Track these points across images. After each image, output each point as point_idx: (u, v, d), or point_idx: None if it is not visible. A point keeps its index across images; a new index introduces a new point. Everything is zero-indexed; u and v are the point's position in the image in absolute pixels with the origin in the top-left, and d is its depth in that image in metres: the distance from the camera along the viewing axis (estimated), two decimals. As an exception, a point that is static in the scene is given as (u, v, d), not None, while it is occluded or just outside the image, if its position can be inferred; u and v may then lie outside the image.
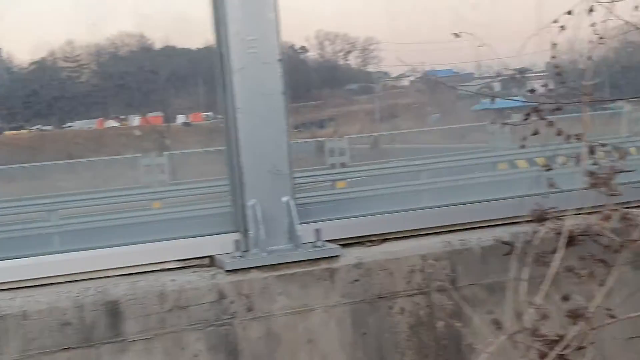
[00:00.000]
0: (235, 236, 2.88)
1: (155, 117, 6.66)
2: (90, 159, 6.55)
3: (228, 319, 2.74)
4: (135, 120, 6.69)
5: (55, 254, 2.74)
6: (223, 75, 2.84)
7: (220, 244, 2.90)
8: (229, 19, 2.76)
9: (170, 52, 5.70)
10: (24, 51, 6.00)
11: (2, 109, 5.82)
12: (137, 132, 6.80)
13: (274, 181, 2.86)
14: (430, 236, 3.10)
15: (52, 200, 5.43)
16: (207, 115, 6.76)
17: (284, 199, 2.87)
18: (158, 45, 5.99)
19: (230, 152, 2.91)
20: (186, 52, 5.78)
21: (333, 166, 5.99)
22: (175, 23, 5.47)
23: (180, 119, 6.91)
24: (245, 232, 2.87)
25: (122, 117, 6.77)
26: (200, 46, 5.89)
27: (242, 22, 2.78)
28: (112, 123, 6.77)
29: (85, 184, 6.47)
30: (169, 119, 6.89)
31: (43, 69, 5.79)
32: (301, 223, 2.88)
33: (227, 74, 2.83)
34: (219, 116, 7.00)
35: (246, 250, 2.83)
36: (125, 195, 5.71)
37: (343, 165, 5.95)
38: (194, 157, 6.72)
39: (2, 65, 6.16)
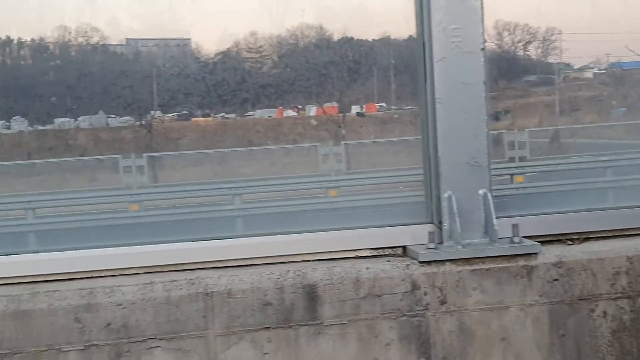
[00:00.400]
0: (429, 227, 2.85)
1: (331, 107, 6.77)
2: (269, 146, 6.78)
3: (421, 310, 2.72)
4: (312, 110, 6.84)
5: (258, 236, 2.84)
6: (424, 65, 2.81)
7: (412, 235, 2.88)
8: (433, 7, 2.72)
9: (347, 43, 5.75)
10: (210, 42, 6.28)
11: (189, 97, 6.14)
12: (313, 122, 6.95)
13: (471, 173, 2.80)
14: (636, 237, 2.91)
15: (236, 185, 5.68)
16: (380, 106, 6.77)
17: (481, 191, 2.80)
18: (336, 36, 6.06)
19: (426, 142, 2.87)
20: (363, 43, 5.81)
21: (512, 159, 5.79)
22: (354, 14, 5.52)
23: (355, 109, 6.98)
24: (439, 224, 2.83)
25: (300, 107, 6.94)
26: (377, 37, 5.90)
27: (446, 10, 2.73)
28: (290, 113, 6.97)
29: (264, 170, 6.72)
30: (343, 109, 6.98)
31: (228, 59, 6.05)
32: (497, 217, 2.80)
33: (428, 63, 2.79)
34: (393, 107, 6.99)
35: (440, 242, 2.80)
36: (305, 182, 5.86)
37: (522, 159, 5.74)
38: (369, 147, 6.77)
39: (190, 55, 6.49)
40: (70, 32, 5.99)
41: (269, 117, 6.67)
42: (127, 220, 5.45)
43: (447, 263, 2.73)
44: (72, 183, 5.98)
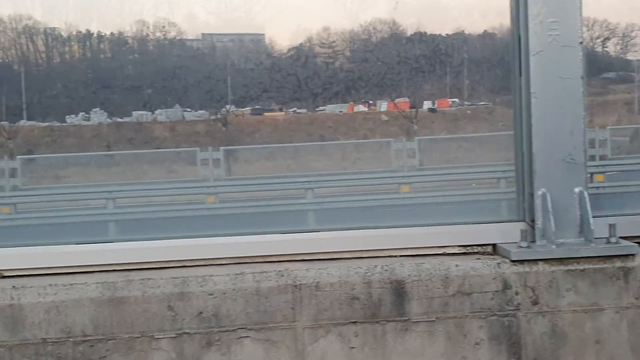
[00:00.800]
0: (520, 225, 2.79)
1: (402, 102, 6.71)
2: (340, 141, 6.77)
3: (512, 310, 2.67)
4: (383, 106, 6.80)
5: (346, 230, 2.83)
6: (519, 58, 2.74)
7: (502, 232, 2.83)
8: (530, 0, 2.65)
9: (420, 38, 5.68)
10: (284, 37, 6.30)
11: (262, 92, 6.17)
12: (384, 117, 6.90)
13: (566, 170, 2.73)
14: None
15: (309, 179, 5.69)
16: (453, 101, 6.68)
17: (577, 189, 2.72)
18: (409, 32, 6.00)
19: (519, 138, 2.81)
20: (436, 38, 5.73)
21: (592, 158, 5.64)
22: (428, 10, 5.45)
23: (427, 104, 6.90)
24: (531, 222, 2.77)
25: (371, 102, 6.90)
26: (450, 32, 5.81)
27: (543, 3, 2.66)
28: (361, 108, 6.94)
29: (335, 165, 6.71)
30: (415, 104, 6.91)
31: (300, 54, 6.06)
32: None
33: (524, 57, 2.72)
34: (466, 103, 6.87)
35: (532, 241, 2.73)
36: (377, 177, 5.83)
37: (603, 157, 5.58)
38: (441, 143, 6.68)
39: (264, 50, 6.53)
40: (148, 27, 6.09)
41: (340, 112, 6.66)
42: (204, 212, 5.52)
43: (540, 263, 2.67)
44: (150, 174, 6.10)
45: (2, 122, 5.84)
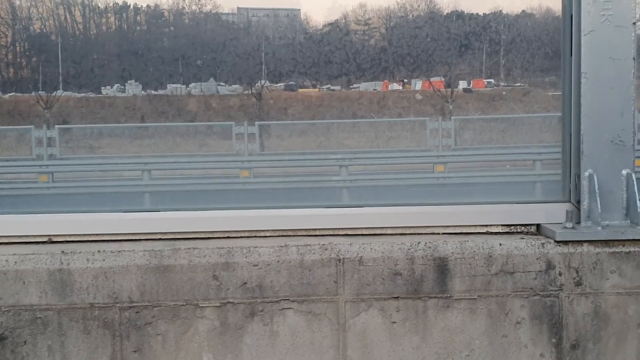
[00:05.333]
0: (566, 206, 2.78)
1: (437, 81, 6.66)
2: (376, 119, 6.75)
3: (555, 290, 2.66)
4: (417, 84, 6.75)
5: (390, 206, 2.83)
6: (570, 38, 2.71)
7: (546, 213, 2.82)
8: (584, -21, 2.62)
9: (457, 17, 5.63)
10: (319, 13, 6.27)
11: (296, 67, 6.16)
12: (418, 96, 6.86)
13: (614, 152, 2.70)
14: None
15: (342, 156, 5.69)
16: (488, 82, 6.62)
17: (624, 171, 2.70)
18: (446, 10, 5.93)
19: (567, 118, 2.78)
20: (473, 17, 5.67)
21: None
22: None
23: (462, 84, 6.84)
24: (576, 203, 2.75)
25: (405, 80, 6.86)
26: (488, 12, 5.74)
27: (597, -18, 2.62)
28: (395, 86, 6.90)
29: (368, 143, 6.69)
30: (450, 84, 6.85)
31: (336, 31, 6.02)
32: (640, 199, 2.69)
33: (575, 37, 2.69)
34: (502, 84, 6.82)
35: (577, 222, 2.72)
36: (411, 156, 5.81)
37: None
38: (476, 124, 6.64)
39: (300, 26, 6.50)
40: (184, 0, 6.09)
41: (374, 90, 6.63)
42: (239, 186, 5.55)
43: (585, 244, 2.66)
44: (183, 147, 6.13)
45: (40, 92, 5.90)
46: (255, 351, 2.60)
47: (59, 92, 5.97)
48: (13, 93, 6.08)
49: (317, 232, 2.78)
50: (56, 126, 5.56)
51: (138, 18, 6.53)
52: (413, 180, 5.76)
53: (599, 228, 2.65)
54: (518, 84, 6.41)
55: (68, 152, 5.86)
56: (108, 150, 6.17)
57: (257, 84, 6.47)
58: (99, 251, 2.53)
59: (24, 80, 6.21)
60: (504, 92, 6.55)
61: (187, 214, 2.73)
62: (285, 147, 6.47)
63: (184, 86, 6.28)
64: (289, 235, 2.75)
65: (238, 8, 6.01)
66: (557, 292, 2.66)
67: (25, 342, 2.50)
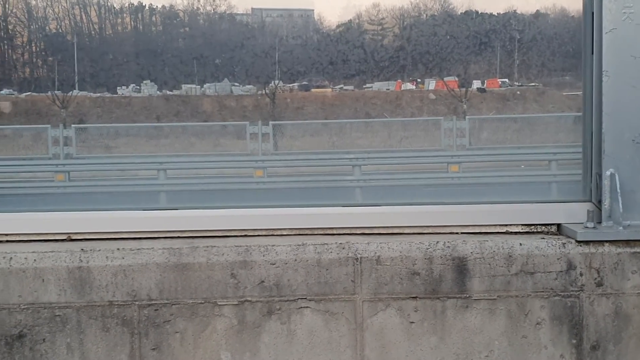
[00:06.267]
0: (587, 206, 2.75)
1: (451, 81, 6.63)
2: (389, 119, 6.73)
3: (575, 291, 2.64)
4: (431, 84, 6.73)
5: (408, 205, 2.81)
6: (592, 36, 2.69)
7: (567, 212, 2.79)
8: (606, -24, 2.59)
9: (471, 16, 5.60)
10: (333, 13, 6.26)
11: (309, 68, 6.16)
12: (432, 96, 6.84)
13: (636, 151, 2.68)
14: None
15: (356, 156, 5.68)
16: (502, 81, 6.58)
17: (646, 171, 2.67)
18: (460, 10, 5.91)
19: (588, 117, 2.76)
20: (488, 17, 5.64)
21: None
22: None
23: (476, 84, 6.81)
24: (597, 203, 2.73)
25: (419, 80, 6.84)
26: (502, 11, 5.71)
27: (620, -21, 2.60)
28: (408, 86, 6.88)
29: (382, 143, 6.67)
30: (464, 84, 6.82)
31: (349, 31, 6.01)
32: (662, 199, 2.66)
33: (596, 35, 2.67)
34: (516, 83, 6.79)
35: (599, 222, 2.69)
36: (425, 156, 5.79)
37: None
38: (491, 123, 6.61)
39: (313, 26, 6.49)
40: (199, 0, 6.10)
41: (387, 89, 6.61)
42: (253, 185, 5.54)
43: (606, 244, 2.63)
44: (197, 147, 6.14)
45: (56, 92, 5.92)
46: (273, 350, 2.59)
47: (75, 92, 5.99)
48: (29, 93, 6.11)
49: (335, 231, 2.77)
50: (72, 125, 5.58)
51: (153, 18, 6.55)
52: (427, 180, 5.73)
53: (621, 228, 2.63)
54: (532, 84, 6.37)
55: (84, 152, 5.89)
56: (124, 150, 6.19)
57: (270, 84, 6.48)
58: (118, 249, 2.53)
59: (40, 80, 6.24)
60: (518, 92, 6.51)
61: (205, 212, 2.72)
62: (298, 147, 6.47)
63: (199, 86, 6.30)
64: (306, 234, 2.74)
65: (252, 8, 6.02)
66: (578, 293, 2.63)
67: (44, 339, 2.50)
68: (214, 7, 6.11)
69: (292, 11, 6.04)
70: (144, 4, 6.21)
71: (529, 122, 6.15)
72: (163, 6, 6.32)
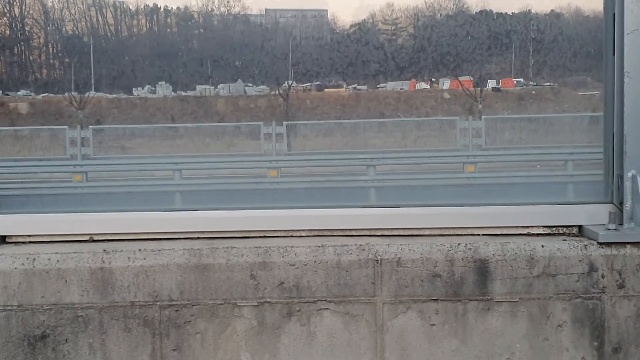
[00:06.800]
0: (608, 207, 2.74)
1: (466, 80, 6.61)
2: (403, 118, 6.72)
3: (597, 293, 2.62)
4: (445, 84, 6.71)
5: (426, 207, 2.80)
6: (613, 37, 2.67)
7: (589, 214, 2.78)
8: (628, -23, 2.58)
9: (486, 16, 5.58)
10: (347, 13, 6.27)
11: (323, 68, 6.15)
12: (446, 95, 6.82)
13: (658, 153, 2.66)
14: None
15: (370, 156, 5.67)
16: (517, 81, 6.55)
17: (668, 173, 2.65)
18: (474, 9, 5.89)
19: (609, 118, 2.74)
20: (502, 16, 5.62)
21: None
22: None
23: (491, 84, 6.78)
24: (619, 205, 2.71)
25: (433, 80, 6.82)
26: (517, 11, 5.69)
27: (643, -21, 2.58)
28: (422, 85, 6.86)
29: (396, 143, 6.65)
30: (479, 83, 6.79)
31: (363, 31, 6.01)
32: (684, 201, 2.64)
33: (617, 36, 2.65)
34: (531, 83, 6.76)
35: (620, 224, 2.67)
36: (440, 156, 5.77)
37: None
38: (508, 123, 6.58)
39: (327, 26, 6.49)
40: (213, 2, 6.12)
41: (401, 89, 6.60)
42: (267, 185, 5.55)
43: (628, 246, 2.61)
44: (212, 147, 6.15)
45: (72, 93, 5.95)
46: (293, 351, 2.59)
47: (92, 93, 6.02)
48: (46, 94, 6.14)
49: (354, 233, 2.76)
50: (90, 126, 5.61)
51: (168, 20, 6.57)
52: (443, 181, 5.72)
53: (643, 230, 2.61)
54: (548, 84, 6.35)
55: (101, 152, 5.91)
56: (140, 151, 6.21)
57: (284, 85, 6.48)
58: (139, 250, 2.54)
59: (56, 81, 6.27)
60: (533, 92, 6.49)
61: (225, 213, 2.73)
62: (311, 147, 6.47)
63: (213, 87, 6.31)
64: (325, 235, 2.74)
65: (266, 9, 6.02)
66: (600, 295, 2.62)
67: (66, 340, 2.51)
68: (228, 8, 6.12)
69: (306, 11, 6.04)
70: (159, 6, 6.23)
71: (545, 122, 6.12)
72: (178, 8, 6.34)
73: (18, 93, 5.86)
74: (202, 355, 2.56)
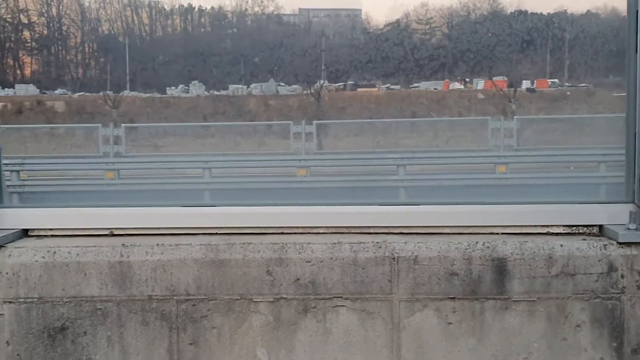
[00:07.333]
0: (629, 207, 2.69)
1: (500, 81, 6.55)
2: (433, 118, 6.68)
3: (616, 293, 2.58)
4: (480, 84, 6.65)
5: (444, 204, 2.79)
6: (636, 35, 2.62)
7: (610, 214, 2.73)
8: (652, -28, 2.53)
9: (521, 16, 5.52)
10: (381, 13, 6.25)
11: (356, 68, 6.15)
12: (480, 96, 6.76)
13: (682, 152, 2.60)
14: None
15: (400, 155, 5.67)
16: (552, 82, 6.46)
17: (692, 172, 2.59)
18: (509, 9, 5.82)
19: (632, 118, 2.69)
20: (538, 17, 5.55)
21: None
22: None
23: (525, 84, 6.70)
24: (640, 204, 2.66)
25: (467, 80, 6.77)
26: (552, 11, 5.62)
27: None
28: (456, 85, 6.81)
29: (427, 143, 6.63)
30: (513, 83, 6.72)
31: (396, 30, 5.99)
32: None
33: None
34: (566, 84, 6.65)
35: (641, 224, 2.63)
36: (471, 156, 5.73)
37: None
38: (541, 124, 6.50)
39: (360, 26, 6.49)
40: (247, 2, 6.16)
41: (435, 89, 6.56)
42: (295, 184, 5.59)
43: (649, 246, 2.57)
44: (242, 146, 6.21)
45: (107, 92, 6.06)
46: (309, 348, 2.60)
47: (126, 93, 6.13)
48: (82, 93, 6.27)
49: (372, 230, 2.76)
50: (122, 125, 5.72)
51: (202, 20, 6.64)
52: (473, 181, 5.68)
53: (664, 230, 2.56)
54: (582, 84, 6.25)
55: (134, 150, 6.03)
56: (172, 149, 6.31)
57: (316, 84, 6.50)
58: (157, 244, 2.58)
59: (92, 80, 6.40)
60: (568, 93, 6.40)
61: (242, 209, 2.75)
62: (342, 147, 6.49)
63: (245, 86, 6.36)
64: (343, 233, 2.74)
65: (299, 9, 6.05)
66: (619, 295, 2.57)
67: (85, 332, 2.57)
68: (261, 7, 6.16)
69: (339, 11, 6.05)
70: (193, 6, 6.31)
71: (578, 123, 6.03)
72: (212, 8, 6.41)
73: (55, 92, 6.00)
74: (219, 350, 2.59)
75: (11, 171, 4.63)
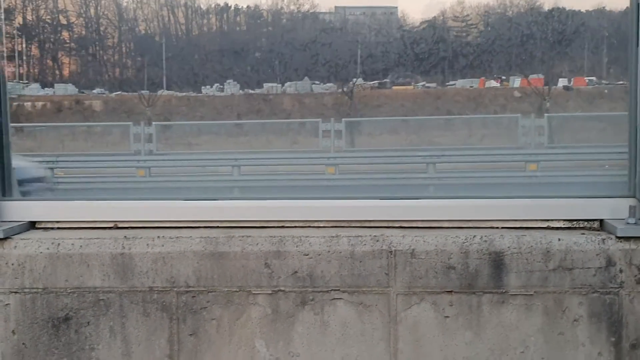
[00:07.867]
0: (630, 202, 2.64)
1: (536, 79, 6.45)
2: (466, 116, 6.62)
3: (614, 288, 2.54)
4: (516, 82, 6.56)
5: (444, 199, 2.80)
6: (637, 29, 2.58)
7: (611, 208, 2.69)
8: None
9: (558, 13, 5.42)
10: (417, 10, 6.23)
11: (391, 65, 6.14)
12: (517, 94, 6.67)
13: (686, 146, 2.54)
14: None
15: (432, 153, 5.64)
16: (590, 80, 6.33)
17: (697, 166, 2.54)
18: (547, 6, 5.73)
19: (633, 113, 2.65)
20: (575, 14, 5.44)
21: None
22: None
23: (562, 82, 6.58)
24: (641, 199, 2.62)
25: (503, 77, 6.68)
26: (590, 8, 5.50)
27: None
28: (492, 83, 6.73)
29: (461, 141, 6.57)
30: (550, 81, 6.61)
31: (433, 28, 5.96)
32: None
33: (642, 28, 2.56)
34: (604, 82, 6.50)
35: (640, 218, 2.58)
36: (501, 154, 5.67)
37: None
38: (572, 122, 6.38)
39: (396, 23, 6.48)
40: (283, 0, 6.23)
41: (471, 87, 6.50)
42: (324, 182, 5.63)
43: (647, 240, 2.52)
44: (275, 144, 6.28)
45: (142, 91, 6.21)
46: (306, 339, 2.65)
47: (163, 92, 6.27)
48: (119, 92, 6.44)
49: (371, 224, 2.79)
50: (153, 123, 5.86)
51: (238, 19, 6.74)
52: (503, 179, 5.63)
53: (664, 224, 2.51)
54: (621, 82, 6.09)
55: (167, 148, 6.17)
56: (205, 147, 6.43)
57: (350, 82, 6.52)
58: (158, 237, 2.66)
59: (129, 79, 6.56)
60: (605, 91, 6.27)
61: (243, 203, 2.81)
62: (375, 145, 6.49)
63: (280, 85, 6.43)
64: (342, 227, 2.77)
65: (335, 7, 6.08)
66: (617, 290, 2.54)
67: (88, 322, 2.67)
68: (297, 6, 6.22)
69: (375, 9, 6.06)
70: (229, 5, 6.41)
71: (613, 121, 5.89)
72: (248, 6, 6.49)
73: (93, 91, 6.19)
74: (218, 341, 2.66)
75: (46, 168, 4.81)
